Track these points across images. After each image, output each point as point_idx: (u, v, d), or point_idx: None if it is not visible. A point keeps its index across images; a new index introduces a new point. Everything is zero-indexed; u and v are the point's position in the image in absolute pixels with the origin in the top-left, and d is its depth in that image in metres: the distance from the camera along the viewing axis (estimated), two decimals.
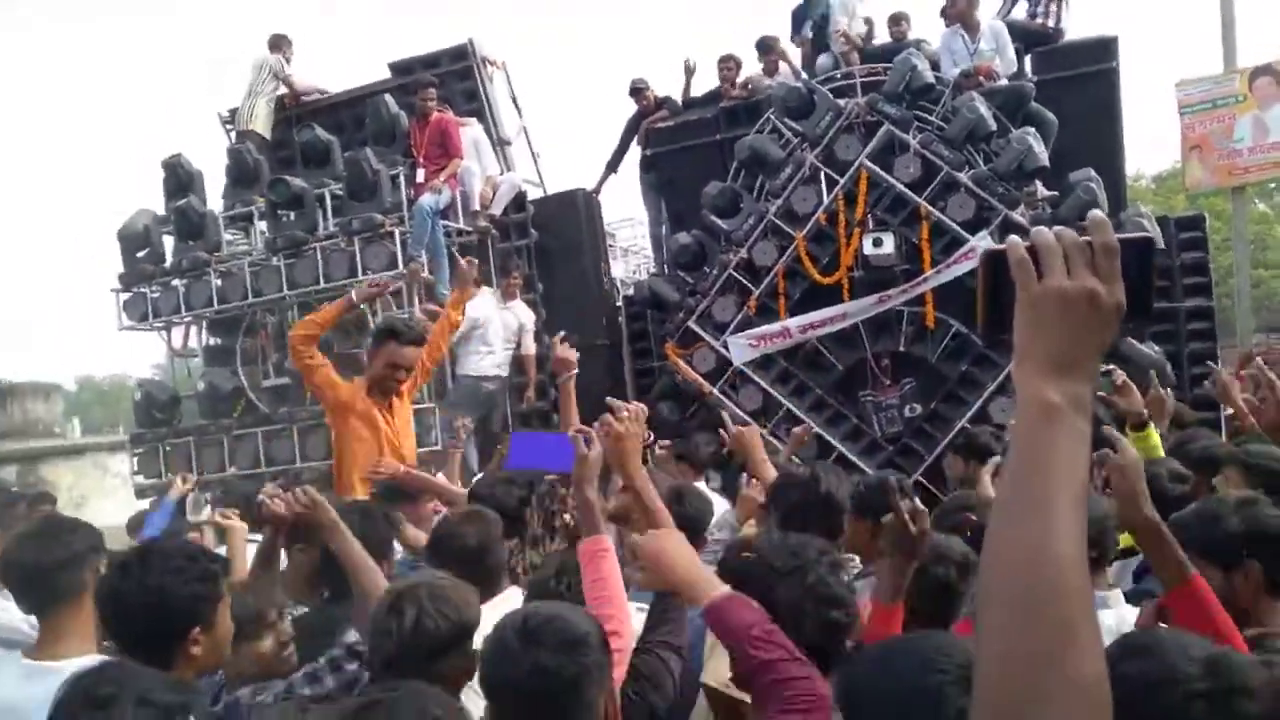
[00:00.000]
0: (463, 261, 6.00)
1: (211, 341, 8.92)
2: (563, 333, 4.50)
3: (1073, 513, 0.91)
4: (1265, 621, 2.22)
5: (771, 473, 3.45)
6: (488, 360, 7.94)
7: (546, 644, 1.78)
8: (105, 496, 13.85)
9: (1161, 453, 4.08)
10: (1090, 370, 0.97)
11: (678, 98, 9.49)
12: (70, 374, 54.35)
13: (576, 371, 4.21)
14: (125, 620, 2.21)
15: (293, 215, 8.18)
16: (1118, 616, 2.57)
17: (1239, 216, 13.30)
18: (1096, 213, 1.01)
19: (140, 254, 8.67)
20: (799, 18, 9.20)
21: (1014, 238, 1.01)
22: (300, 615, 3.17)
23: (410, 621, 2.04)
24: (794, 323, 7.69)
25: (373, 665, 2.14)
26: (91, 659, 2.25)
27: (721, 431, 3.89)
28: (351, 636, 2.53)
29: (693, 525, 3.35)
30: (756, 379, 7.75)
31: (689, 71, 9.43)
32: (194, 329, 8.98)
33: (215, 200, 8.93)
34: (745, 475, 4.22)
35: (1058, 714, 0.85)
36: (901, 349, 7.66)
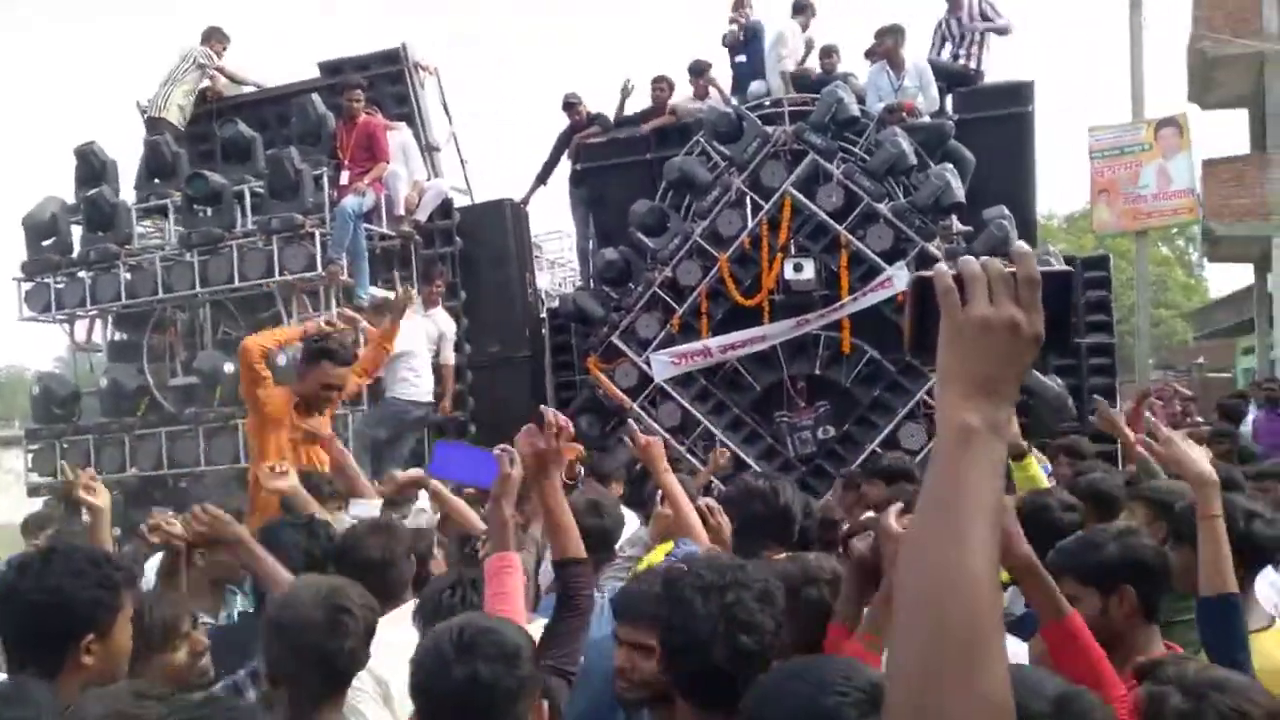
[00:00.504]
0: (400, 290, 6.04)
1: (117, 336, 8.62)
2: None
3: (987, 533, 0.93)
4: (1140, 643, 2.33)
5: (674, 485, 3.46)
6: (421, 387, 7.76)
7: (484, 655, 1.77)
8: None
9: (1044, 482, 4.24)
10: (1009, 396, 0.99)
11: (610, 115, 9.54)
12: None
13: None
14: (17, 620, 2.11)
15: (209, 211, 7.97)
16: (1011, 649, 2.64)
17: (1141, 258, 13.97)
18: (1021, 244, 1.05)
19: (46, 243, 8.34)
20: (735, 43, 9.31)
21: (941, 265, 1.04)
22: (220, 626, 3.09)
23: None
24: (715, 342, 7.79)
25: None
26: None
27: (628, 440, 3.91)
28: None
29: (603, 539, 3.36)
30: (676, 396, 7.82)
31: (625, 93, 9.50)
32: (99, 323, 8.67)
33: (129, 192, 8.65)
34: (659, 492, 4.25)
35: None
36: (817, 372, 7.82)
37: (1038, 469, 4.22)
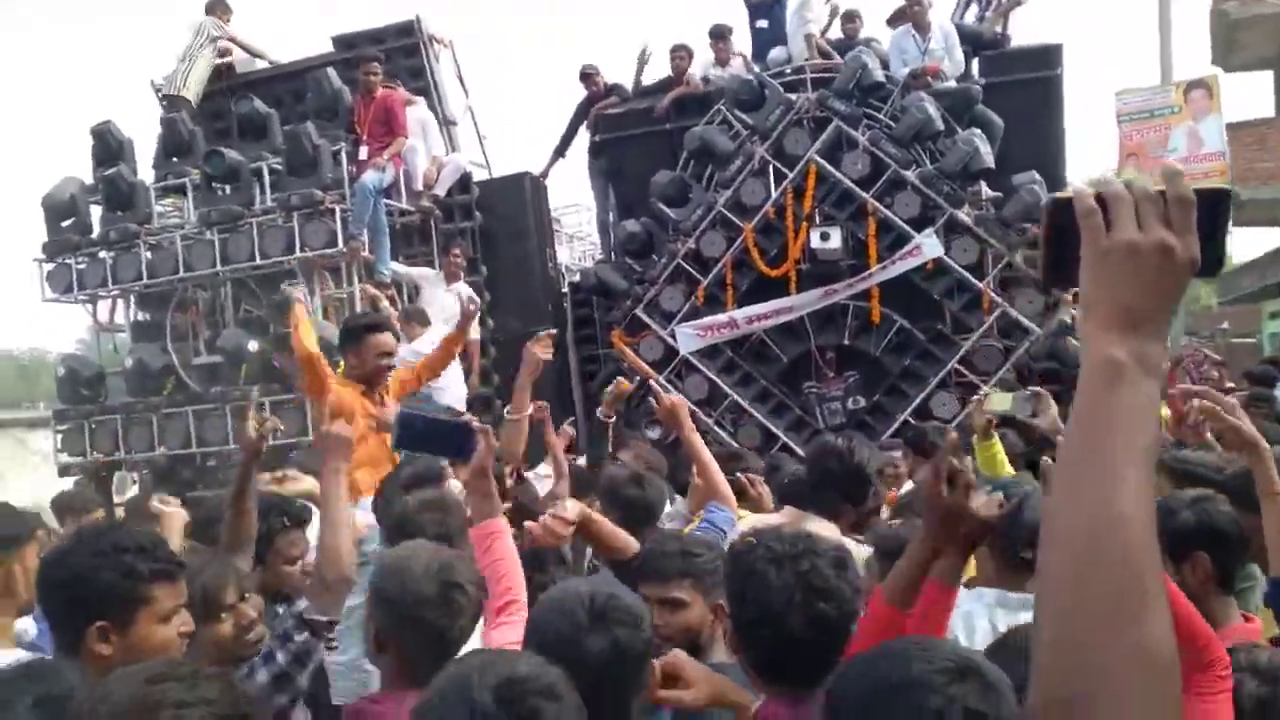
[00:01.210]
0: (465, 299, 6.09)
1: (140, 317, 8.59)
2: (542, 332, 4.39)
3: (1140, 474, 0.87)
4: (1215, 612, 2.27)
5: (700, 447, 3.45)
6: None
7: (618, 621, 1.79)
8: (25, 473, 13.30)
9: (1005, 467, 4.11)
10: (1161, 328, 0.92)
11: (628, 84, 9.40)
12: None
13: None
14: (44, 597, 2.12)
15: (228, 189, 7.91)
16: None
17: None
18: (1171, 163, 0.97)
19: (66, 224, 8.30)
20: (755, 7, 9.11)
21: (1079, 184, 0.96)
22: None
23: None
24: (741, 314, 7.72)
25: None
26: (8, 653, 2.10)
27: (652, 400, 3.94)
28: (301, 604, 2.42)
29: (648, 512, 3.31)
30: (703, 368, 7.76)
31: (643, 60, 9.35)
32: (121, 303, 8.64)
33: (146, 171, 8.60)
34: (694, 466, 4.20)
35: (1125, 677, 0.82)
36: (846, 342, 7.74)
37: (999, 450, 4.17)
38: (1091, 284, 0.93)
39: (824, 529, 3.00)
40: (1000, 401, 4.51)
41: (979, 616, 2.55)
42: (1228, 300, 22.72)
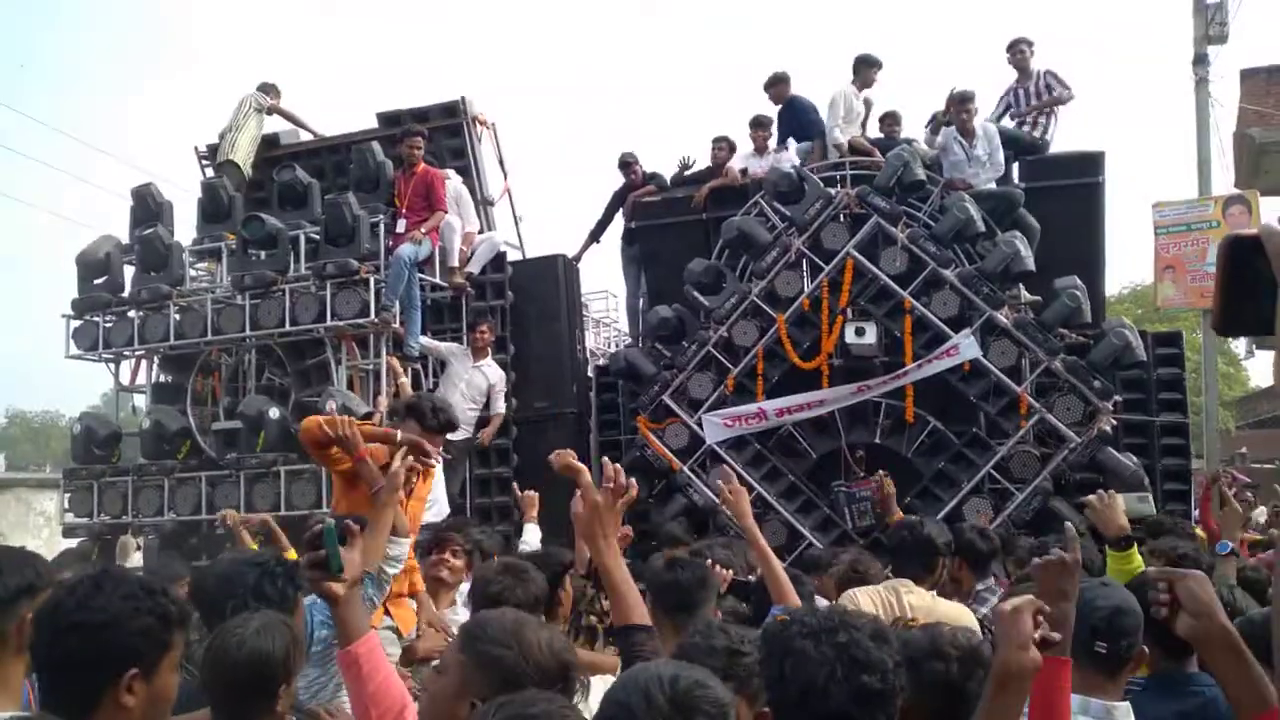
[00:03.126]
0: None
1: (162, 378, 8.52)
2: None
3: None
4: None
5: (759, 537, 3.30)
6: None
7: (703, 713, 1.58)
8: (28, 534, 13.12)
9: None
10: None
11: (667, 176, 9.49)
12: (0, 406, 52.27)
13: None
14: (57, 644, 1.90)
15: (264, 254, 7.92)
16: None
17: (1209, 337, 13.60)
18: None
19: (98, 281, 8.32)
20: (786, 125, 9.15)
21: (1270, 224, 0.88)
22: None
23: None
24: (770, 405, 7.55)
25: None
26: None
27: (719, 483, 3.90)
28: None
29: (686, 599, 3.11)
30: (728, 459, 7.54)
31: (684, 166, 9.47)
32: (144, 364, 8.59)
33: (185, 237, 8.65)
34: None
35: None
36: (877, 441, 7.54)
37: (1139, 561, 3.76)
38: None
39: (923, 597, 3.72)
40: (1138, 504, 4.13)
41: None
42: (1245, 424, 22.42)
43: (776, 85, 8.99)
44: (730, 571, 3.69)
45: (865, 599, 3.65)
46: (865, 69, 8.81)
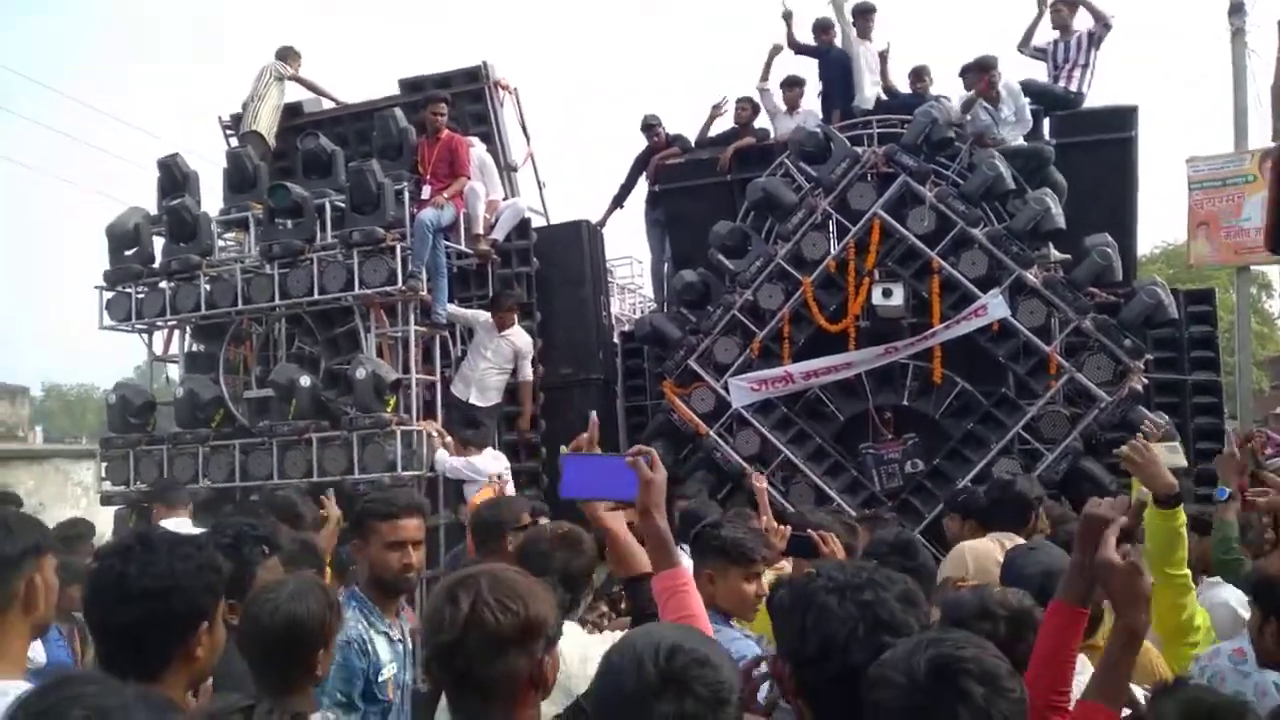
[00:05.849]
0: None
1: (194, 348, 8.61)
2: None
3: None
4: None
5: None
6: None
7: (694, 694, 1.46)
8: (66, 504, 13.39)
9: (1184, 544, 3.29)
10: None
11: (692, 136, 9.40)
12: (37, 379, 53.14)
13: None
14: (122, 614, 1.91)
15: (290, 223, 7.95)
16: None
17: (1243, 295, 13.33)
18: None
19: (128, 253, 8.39)
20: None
21: None
22: None
23: (465, 611, 1.70)
24: (797, 368, 7.53)
25: (427, 662, 1.78)
26: (16, 685, 1.80)
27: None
28: None
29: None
30: (755, 423, 7.55)
31: (716, 112, 9.34)
32: (177, 335, 8.68)
33: (212, 207, 8.70)
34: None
35: None
36: (905, 403, 7.52)
37: (1183, 519, 3.25)
38: None
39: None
40: (1168, 454, 3.57)
41: None
42: (1279, 384, 22.00)
43: (827, 31, 8.94)
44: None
45: (969, 552, 4.15)
46: (860, 20, 8.77)
